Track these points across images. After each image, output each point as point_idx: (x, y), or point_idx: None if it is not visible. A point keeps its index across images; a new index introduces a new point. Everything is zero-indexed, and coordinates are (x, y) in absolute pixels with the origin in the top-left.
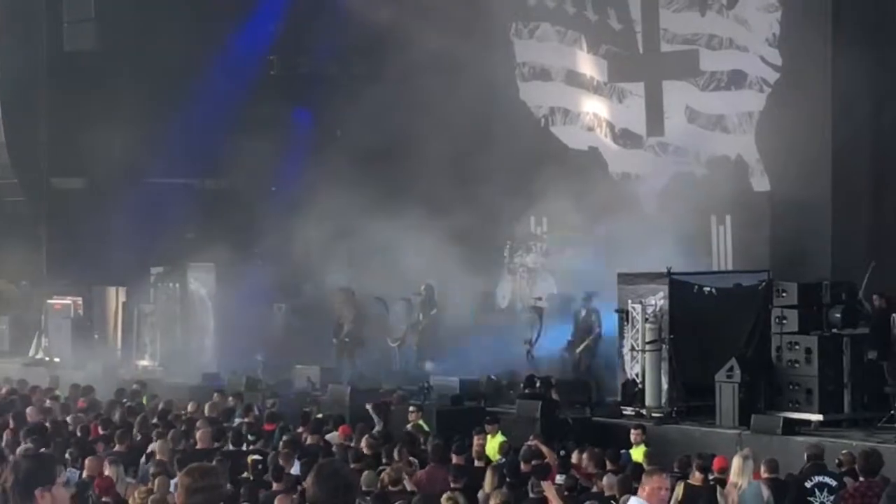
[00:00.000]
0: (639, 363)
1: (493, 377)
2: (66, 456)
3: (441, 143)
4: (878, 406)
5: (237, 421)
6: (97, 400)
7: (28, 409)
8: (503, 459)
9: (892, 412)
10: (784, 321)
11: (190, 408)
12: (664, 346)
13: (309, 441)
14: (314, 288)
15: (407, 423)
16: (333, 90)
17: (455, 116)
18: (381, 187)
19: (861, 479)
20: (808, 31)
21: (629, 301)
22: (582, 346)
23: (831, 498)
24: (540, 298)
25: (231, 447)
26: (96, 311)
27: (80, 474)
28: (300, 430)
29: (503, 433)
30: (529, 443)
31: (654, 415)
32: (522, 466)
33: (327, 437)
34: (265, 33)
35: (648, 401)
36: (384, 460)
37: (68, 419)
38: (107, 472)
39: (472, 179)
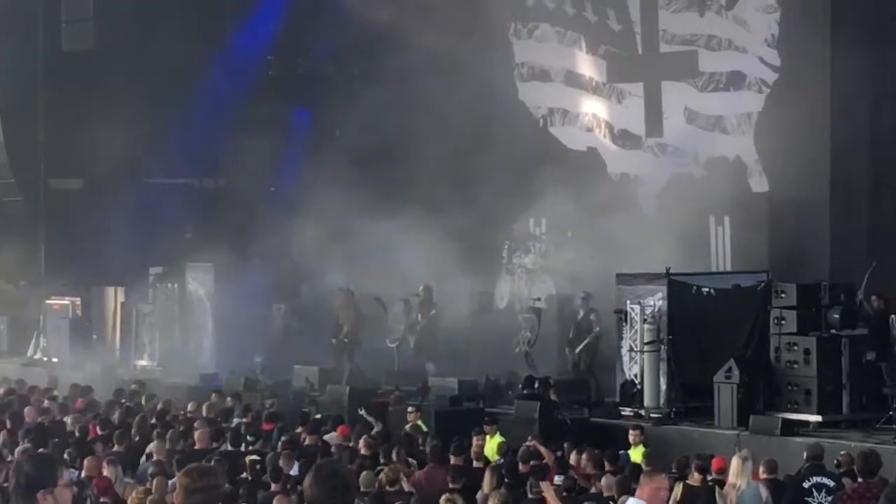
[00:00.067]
0: (637, 364)
1: (491, 378)
2: (65, 456)
3: (440, 143)
4: (877, 407)
5: (235, 421)
6: (96, 400)
7: (26, 410)
8: (502, 460)
9: (891, 413)
10: (783, 322)
11: (190, 407)
12: (663, 346)
13: (307, 441)
14: (313, 288)
15: (405, 424)
16: (332, 90)
17: (454, 117)
18: (380, 187)
19: (859, 480)
20: (807, 31)
21: (628, 302)
22: (581, 347)
23: (829, 499)
24: (538, 299)
25: (229, 447)
26: (95, 311)
27: (79, 474)
28: (299, 430)
29: (502, 434)
30: (528, 443)
31: (652, 415)
32: (521, 467)
33: (326, 437)
34: (264, 33)
35: (647, 401)
36: (382, 460)
37: (67, 419)
38: (105, 473)
39: (471, 180)
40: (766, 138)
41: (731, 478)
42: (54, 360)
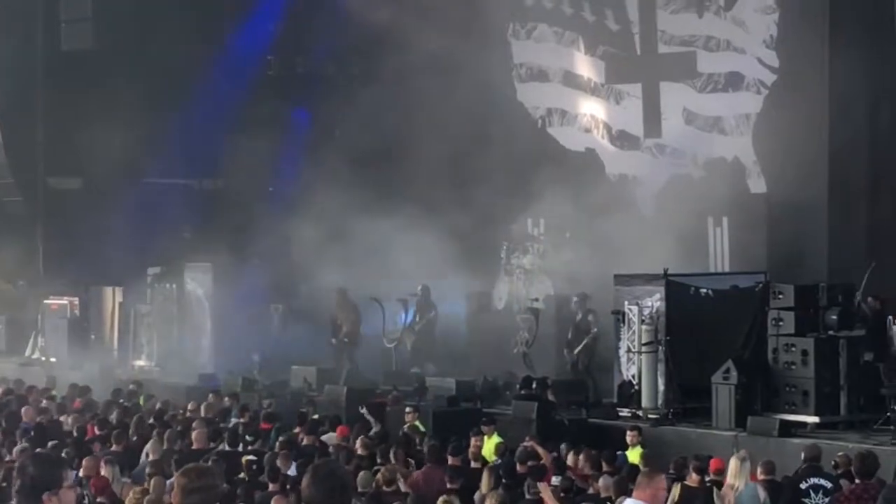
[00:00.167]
0: (635, 365)
1: (489, 378)
2: (63, 456)
3: (438, 143)
4: (875, 408)
5: (233, 421)
6: (94, 400)
7: (24, 409)
8: (499, 460)
9: (889, 414)
10: (780, 323)
11: (190, 407)
12: (660, 347)
13: (305, 441)
14: (311, 288)
15: (403, 424)
16: (332, 90)
17: (452, 117)
18: (379, 188)
19: (857, 481)
20: (806, 32)
21: (626, 302)
22: (580, 347)
23: (826, 500)
24: (537, 299)
25: (227, 447)
26: (93, 311)
27: (77, 474)
28: (296, 430)
29: (499, 434)
30: (525, 444)
31: (650, 416)
32: (518, 467)
33: (324, 437)
34: (264, 33)
35: (645, 402)
36: (379, 461)
37: (65, 419)
38: (103, 472)
39: (470, 180)
40: (765, 139)
41: (729, 479)
42: (52, 359)
